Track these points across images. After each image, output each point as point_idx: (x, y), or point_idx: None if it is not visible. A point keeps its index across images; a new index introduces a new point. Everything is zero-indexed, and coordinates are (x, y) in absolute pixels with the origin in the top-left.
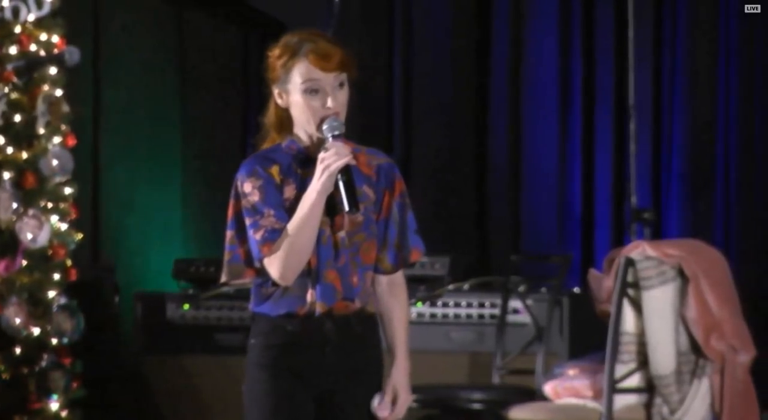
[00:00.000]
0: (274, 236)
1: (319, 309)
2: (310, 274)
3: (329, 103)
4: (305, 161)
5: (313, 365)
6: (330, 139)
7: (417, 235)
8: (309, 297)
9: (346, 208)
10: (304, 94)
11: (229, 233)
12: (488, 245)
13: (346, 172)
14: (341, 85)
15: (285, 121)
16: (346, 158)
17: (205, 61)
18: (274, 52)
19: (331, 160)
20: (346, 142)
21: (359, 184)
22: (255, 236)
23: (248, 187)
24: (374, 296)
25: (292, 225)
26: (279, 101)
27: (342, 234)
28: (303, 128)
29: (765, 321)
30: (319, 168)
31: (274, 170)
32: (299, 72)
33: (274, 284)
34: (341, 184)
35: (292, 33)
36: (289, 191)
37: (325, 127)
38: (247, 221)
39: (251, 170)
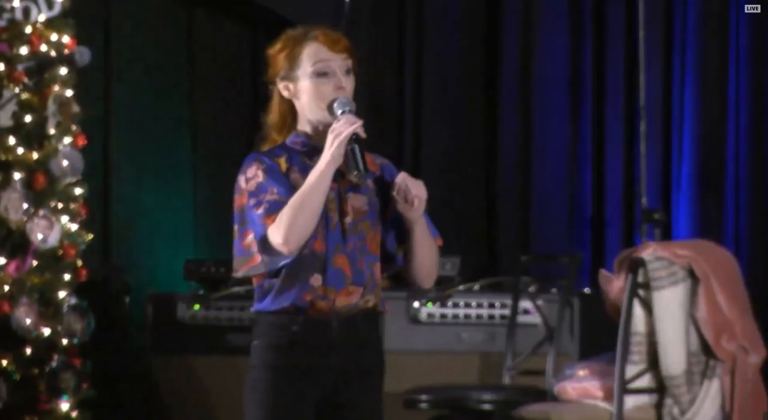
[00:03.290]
0: (277, 207)
1: (326, 293)
2: (318, 260)
3: (343, 83)
4: (312, 152)
5: (318, 365)
6: (340, 114)
7: (433, 227)
8: (314, 282)
9: (359, 169)
10: (314, 78)
11: (235, 227)
12: (498, 245)
13: (356, 140)
14: (349, 71)
15: (288, 118)
16: (356, 124)
17: (214, 61)
18: (275, 47)
19: (342, 128)
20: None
21: (365, 179)
22: (257, 212)
23: (252, 172)
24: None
25: (298, 192)
26: (285, 93)
27: (349, 220)
28: (310, 118)
29: None
30: (330, 138)
31: (281, 160)
32: (309, 54)
33: (283, 277)
34: (354, 149)
35: (293, 29)
36: (296, 180)
37: (335, 104)
38: (251, 202)
39: (255, 157)
